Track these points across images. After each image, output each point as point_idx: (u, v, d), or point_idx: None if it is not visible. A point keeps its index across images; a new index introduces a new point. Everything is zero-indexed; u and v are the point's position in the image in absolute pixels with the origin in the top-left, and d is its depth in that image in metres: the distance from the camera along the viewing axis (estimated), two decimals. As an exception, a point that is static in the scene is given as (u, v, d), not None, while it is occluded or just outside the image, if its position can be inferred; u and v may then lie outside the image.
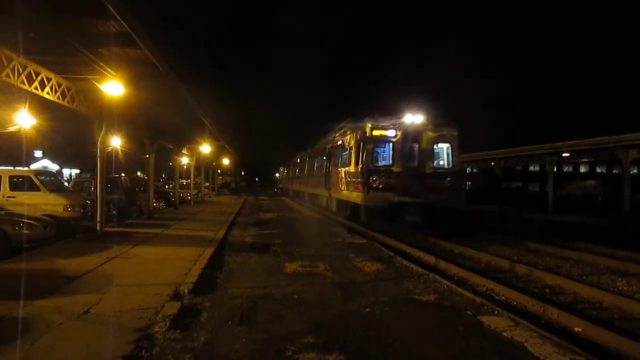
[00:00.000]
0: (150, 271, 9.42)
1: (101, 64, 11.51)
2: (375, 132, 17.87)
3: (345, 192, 20.34)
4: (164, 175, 64.12)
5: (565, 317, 7.07)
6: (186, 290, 7.94)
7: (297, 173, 43.55)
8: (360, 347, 5.72)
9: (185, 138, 28.09)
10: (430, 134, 17.84)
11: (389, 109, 18.64)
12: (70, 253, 11.02)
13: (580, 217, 25.31)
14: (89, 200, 16.56)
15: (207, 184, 49.57)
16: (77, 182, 25.97)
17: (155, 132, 22.03)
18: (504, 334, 6.12)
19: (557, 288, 9.34)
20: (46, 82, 12.29)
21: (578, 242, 14.94)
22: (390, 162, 17.96)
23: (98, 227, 13.96)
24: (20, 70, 11.12)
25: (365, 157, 17.77)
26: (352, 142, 19.35)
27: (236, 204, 35.52)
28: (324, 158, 26.38)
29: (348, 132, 20.71)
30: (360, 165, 18.03)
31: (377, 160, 18.22)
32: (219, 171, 65.81)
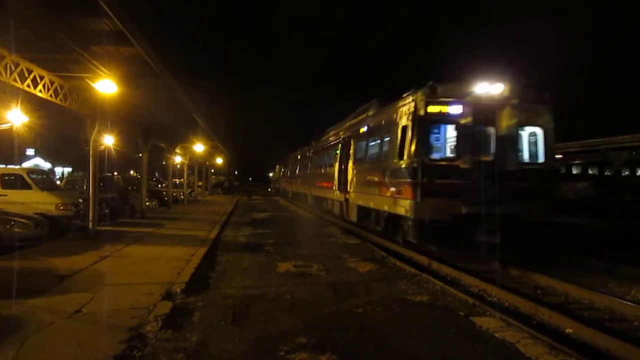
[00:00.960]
0: (143, 270, 9.38)
1: (94, 62, 11.45)
2: (433, 108, 11.81)
3: (378, 197, 14.52)
4: (157, 174, 63.91)
5: (557, 318, 7.10)
6: (178, 290, 7.91)
7: (297, 172, 37.99)
8: (353, 347, 5.72)
9: (179, 137, 28.02)
10: (514, 112, 11.88)
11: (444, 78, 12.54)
12: (62, 252, 10.96)
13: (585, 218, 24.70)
14: (81, 198, 16.48)
15: (200, 183, 49.43)
16: (70, 180, 25.83)
17: (149, 131, 21.95)
18: (496, 334, 6.14)
19: (549, 289, 9.36)
20: (39, 80, 12.21)
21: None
22: (454, 153, 12.39)
23: (90, 226, 13.88)
24: (13, 68, 11.04)
25: (417, 145, 11.77)
26: (393, 126, 13.51)
27: (229, 203, 35.45)
28: (337, 152, 21.09)
29: (383, 113, 15.28)
30: (407, 159, 12.11)
31: (433, 151, 12.51)
32: (213, 170, 65.64)
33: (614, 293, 8.99)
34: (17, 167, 20.10)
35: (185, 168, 37.14)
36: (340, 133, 21.80)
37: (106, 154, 22.74)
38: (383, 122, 15.01)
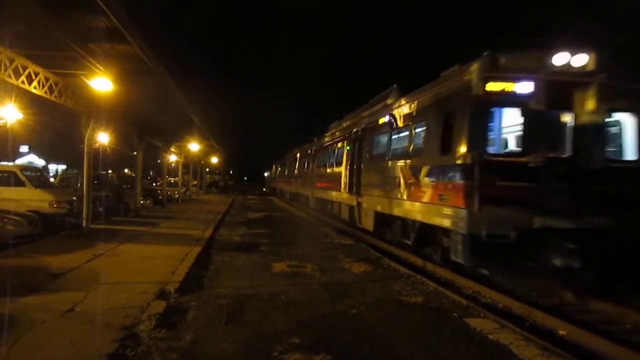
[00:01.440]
0: (137, 269, 9.36)
1: (90, 59, 11.40)
2: (494, 86, 8.90)
3: (406, 203, 11.55)
4: (151, 173, 63.72)
5: (550, 320, 7.12)
6: (172, 289, 7.89)
7: (296, 171, 34.59)
8: (347, 348, 5.72)
9: (174, 136, 27.91)
10: (601, 92, 8.97)
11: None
12: (56, 250, 10.91)
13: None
14: (75, 196, 16.41)
15: (195, 183, 49.29)
16: (64, 178, 25.72)
17: (144, 129, 21.85)
18: (490, 336, 6.16)
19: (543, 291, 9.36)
20: (34, 77, 12.14)
21: None
22: (521, 147, 9.64)
23: (84, 224, 13.82)
24: (8, 64, 10.97)
25: (472, 136, 8.95)
26: (432, 112, 10.64)
27: (224, 202, 35.39)
28: (346, 148, 18.45)
29: (415, 97, 11.96)
30: (457, 154, 9.17)
31: (492, 144, 9.70)
32: (208, 170, 65.52)
33: None
34: (11, 164, 19.98)
35: (180, 167, 37.05)
36: (350, 127, 18.79)
37: (101, 152, 22.63)
38: (415, 108, 11.85)
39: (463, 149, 9.01)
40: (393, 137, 13.36)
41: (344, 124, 21.47)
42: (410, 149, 11.80)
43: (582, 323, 7.07)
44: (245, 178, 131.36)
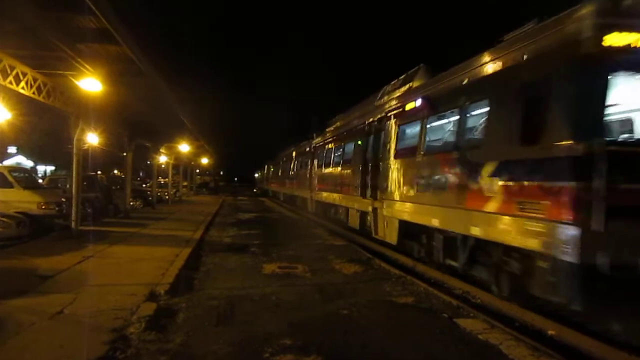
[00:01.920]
0: (126, 271, 9.30)
1: (79, 60, 11.31)
2: (616, 39, 6.06)
3: (454, 212, 8.86)
4: (141, 174, 63.37)
5: (540, 321, 7.16)
6: (162, 291, 7.85)
7: (291, 171, 32.01)
8: (338, 348, 5.73)
9: (164, 137, 27.79)
10: None
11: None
12: (45, 252, 10.82)
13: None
14: (64, 198, 16.28)
15: (185, 183, 49.10)
16: (52, 179, 25.50)
17: (134, 130, 21.74)
18: (480, 336, 6.19)
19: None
20: (21, 77, 12.01)
21: None
22: None
23: (73, 226, 13.72)
24: (-5, 65, 10.86)
25: (589, 113, 6.26)
26: (509, 83, 7.60)
27: (215, 203, 35.28)
28: (357, 143, 15.79)
29: (470, 67, 9.02)
30: (566, 141, 6.19)
31: (609, 128, 6.88)
32: (198, 170, 65.27)
33: None
34: (-1, 165, 19.80)
35: (170, 168, 36.91)
36: (361, 118, 15.83)
37: (90, 153, 22.48)
38: (466, 85, 8.87)
39: (567, 134, 6.17)
40: (429, 125, 10.43)
41: (351, 116, 18.13)
42: (462, 139, 8.92)
43: (571, 324, 7.13)
44: (235, 179, 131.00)
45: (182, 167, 43.69)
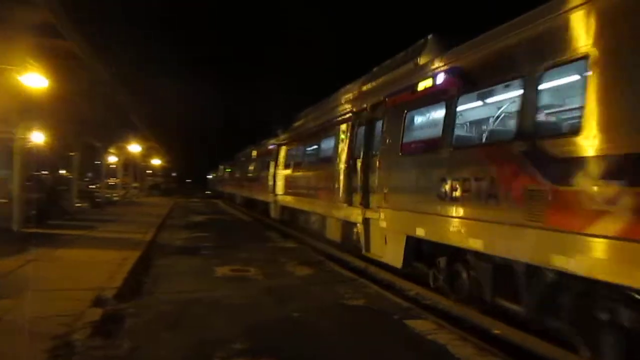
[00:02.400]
0: (72, 275, 8.98)
1: (22, 54, 10.88)
2: None
3: (527, 235, 5.79)
4: (90, 174, 61.45)
5: (486, 321, 7.37)
6: (110, 296, 7.61)
7: (251, 173, 29.68)
8: (289, 352, 5.72)
9: (114, 136, 27.10)
10: None
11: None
12: (-17, 255, 10.32)
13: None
14: (5, 199, 15.58)
15: (136, 185, 47.98)
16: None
17: (81, 128, 21.05)
18: (428, 337, 6.31)
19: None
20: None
21: None
22: None
23: (15, 228, 13.16)
24: None
25: None
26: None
27: (166, 205, 34.58)
28: (343, 137, 12.58)
29: (548, 24, 5.94)
30: None
31: None
32: (149, 171, 63.87)
33: None
34: None
35: (120, 168, 35.98)
36: (344, 107, 13.08)
37: (34, 152, 21.61)
38: (553, 33, 5.86)
39: None
40: (462, 107, 7.94)
41: (327, 107, 15.09)
42: (535, 121, 6.10)
43: (516, 323, 7.37)
44: (189, 180, 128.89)
45: (133, 168, 42.69)
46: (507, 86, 7.01)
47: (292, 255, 12.84)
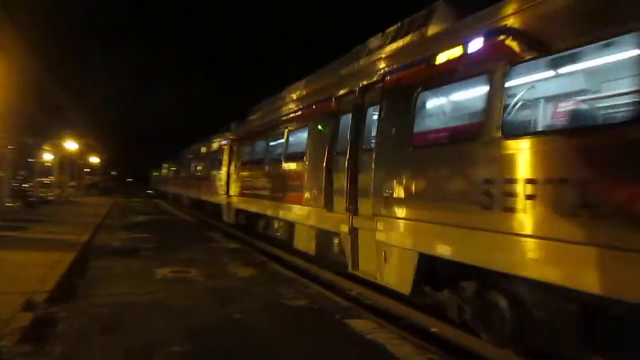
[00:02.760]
0: (0, 279, 8.55)
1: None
2: None
3: None
4: (22, 173, 58.62)
5: (424, 319, 7.58)
6: (41, 300, 7.31)
7: (199, 172, 27.34)
8: (229, 354, 5.69)
9: (48, 133, 25.99)
10: None
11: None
12: None
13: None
14: None
15: (72, 184, 46.14)
16: None
17: (11, 124, 20.07)
18: (368, 336, 6.42)
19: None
20: None
21: None
22: None
23: (-63, 229, 12.39)
24: None
25: None
26: None
27: (105, 205, 33.44)
28: (321, 129, 10.50)
29: None
30: None
31: None
32: (87, 170, 61.64)
33: None
34: None
35: (56, 166, 34.55)
36: (323, 92, 10.77)
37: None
38: None
39: None
40: (515, 82, 5.83)
41: (297, 94, 13.12)
42: None
43: (451, 320, 7.62)
44: (129, 179, 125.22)
45: (69, 166, 41.07)
46: (607, 45, 4.70)
47: (235, 256, 12.73)
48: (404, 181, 7.17)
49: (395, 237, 7.34)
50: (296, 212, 11.44)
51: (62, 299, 7.64)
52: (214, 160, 23.31)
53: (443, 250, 6.26)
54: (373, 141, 8.42)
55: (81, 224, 18.44)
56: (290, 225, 12.24)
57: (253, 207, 15.41)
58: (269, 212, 13.71)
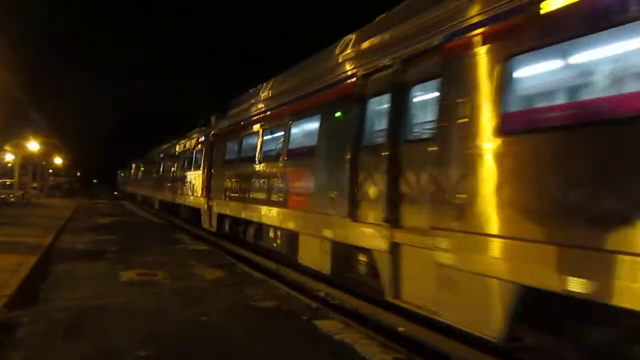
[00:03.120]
0: (-43, 283, 8.28)
1: None
2: None
3: None
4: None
5: (392, 318, 7.64)
6: (1, 304, 7.10)
7: (173, 173, 24.75)
8: (195, 357, 5.64)
9: (9, 133, 25.25)
10: None
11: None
12: None
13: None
14: None
15: (35, 185, 45.01)
16: None
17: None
18: (336, 336, 6.45)
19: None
20: None
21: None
22: None
23: None
24: None
25: None
26: None
27: (69, 207, 32.68)
28: (339, 116, 8.41)
29: None
30: None
31: None
32: (51, 171, 60.18)
33: None
34: None
35: (17, 167, 33.63)
36: (336, 71, 8.81)
37: None
38: None
39: None
40: None
41: (304, 77, 10.42)
42: None
43: (417, 319, 7.71)
44: (95, 180, 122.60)
45: (32, 167, 40.05)
46: None
47: (202, 258, 12.61)
48: (495, 180, 5.08)
49: (474, 261, 5.25)
50: (302, 219, 9.42)
51: (24, 303, 7.44)
52: (191, 159, 20.95)
53: (567, 285, 4.18)
54: (424, 128, 6.59)
55: (44, 227, 17.98)
56: (292, 236, 10.14)
57: (241, 213, 13.08)
58: (264, 220, 11.46)
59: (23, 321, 6.63)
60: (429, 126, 6.44)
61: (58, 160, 51.55)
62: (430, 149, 6.01)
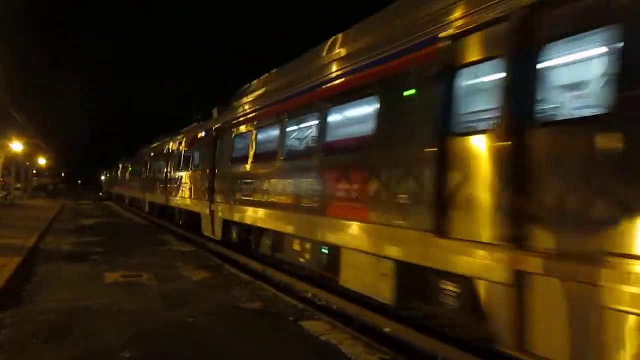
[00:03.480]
0: (-61, 285, 8.17)
1: None
2: None
3: None
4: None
5: (378, 319, 7.68)
6: (-17, 307, 7.03)
7: (166, 174, 22.08)
8: (181, 359, 5.62)
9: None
10: None
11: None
12: None
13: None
14: None
15: (19, 186, 44.44)
16: None
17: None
18: (322, 337, 6.47)
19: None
20: None
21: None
22: None
23: None
24: None
25: None
26: None
27: (53, 208, 32.31)
28: (401, 97, 6.39)
29: None
30: None
31: None
32: (35, 172, 59.49)
33: None
34: None
35: (0, 168, 33.23)
36: (408, 36, 6.33)
37: None
38: None
39: None
40: None
41: (357, 45, 8.00)
42: None
43: (404, 320, 7.74)
44: (80, 182, 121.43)
45: (15, 168, 39.57)
46: None
47: (189, 260, 12.56)
48: None
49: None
50: (348, 231, 7.34)
51: (7, 305, 7.35)
52: (188, 158, 18.78)
53: None
54: (577, 105, 4.91)
55: (28, 228, 17.76)
56: (330, 251, 8.45)
57: (255, 220, 11.19)
58: (287, 229, 9.58)
59: (6, 323, 6.56)
60: (590, 100, 4.64)
61: (42, 161, 50.98)
62: (590, 134, 3.93)
